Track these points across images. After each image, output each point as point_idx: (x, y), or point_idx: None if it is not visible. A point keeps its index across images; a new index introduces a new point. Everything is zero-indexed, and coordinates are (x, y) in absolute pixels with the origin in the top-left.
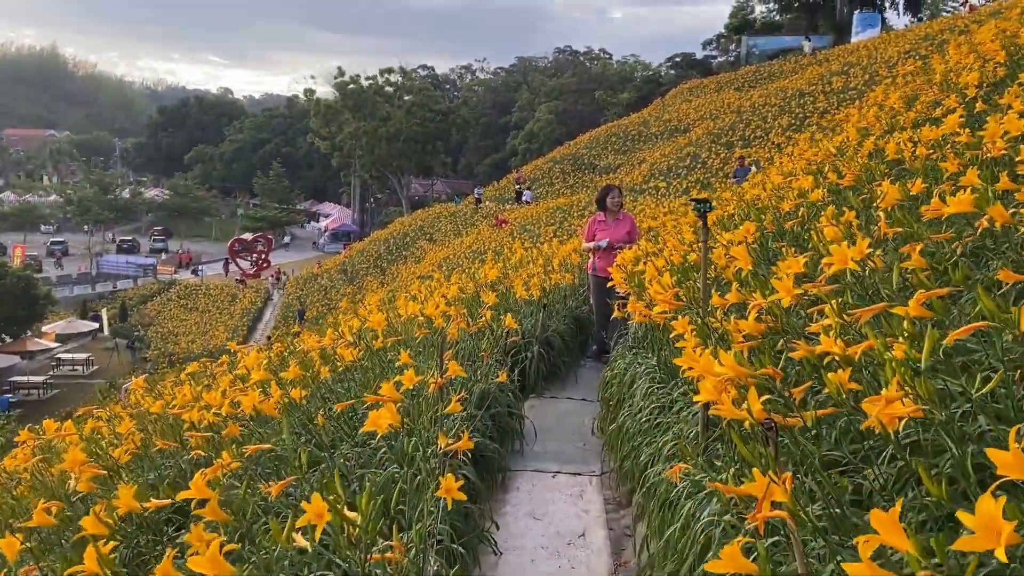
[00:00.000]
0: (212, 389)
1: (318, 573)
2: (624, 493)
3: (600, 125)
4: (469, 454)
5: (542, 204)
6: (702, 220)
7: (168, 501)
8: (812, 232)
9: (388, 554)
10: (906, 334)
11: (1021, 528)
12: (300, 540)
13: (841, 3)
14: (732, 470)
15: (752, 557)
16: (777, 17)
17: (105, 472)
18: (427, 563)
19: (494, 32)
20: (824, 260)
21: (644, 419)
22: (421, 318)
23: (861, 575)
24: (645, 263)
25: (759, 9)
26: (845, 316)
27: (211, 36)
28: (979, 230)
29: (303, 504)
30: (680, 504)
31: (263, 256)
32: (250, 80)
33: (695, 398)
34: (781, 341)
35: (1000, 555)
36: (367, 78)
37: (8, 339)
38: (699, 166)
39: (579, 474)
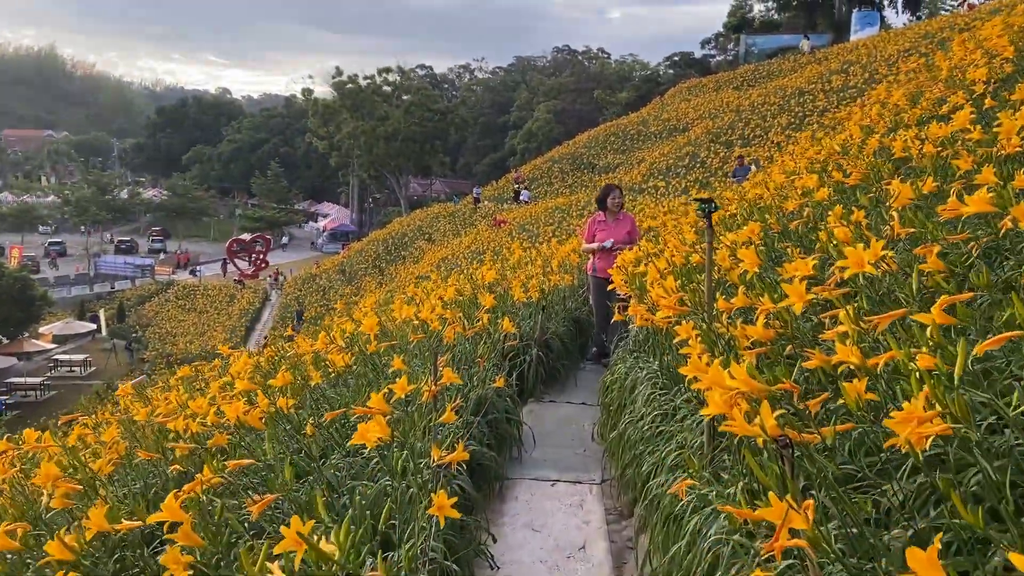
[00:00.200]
0: (200, 396)
1: None
2: (626, 503)
3: (599, 124)
4: (465, 463)
5: (541, 204)
6: (707, 220)
7: (139, 523)
8: (819, 232)
9: None
10: (930, 343)
11: None
12: (276, 572)
13: (840, 1)
14: (741, 484)
15: None
16: (776, 16)
17: (81, 488)
18: None
19: (493, 32)
20: (837, 263)
21: (646, 427)
22: (416, 321)
23: None
24: (646, 264)
25: (757, 8)
26: (861, 323)
27: (211, 36)
28: (1003, 231)
29: (282, 529)
30: (685, 519)
31: (261, 256)
32: (249, 80)
33: (703, 411)
34: (789, 347)
35: None
36: (365, 77)
37: (5, 340)
38: (698, 165)
39: (579, 482)
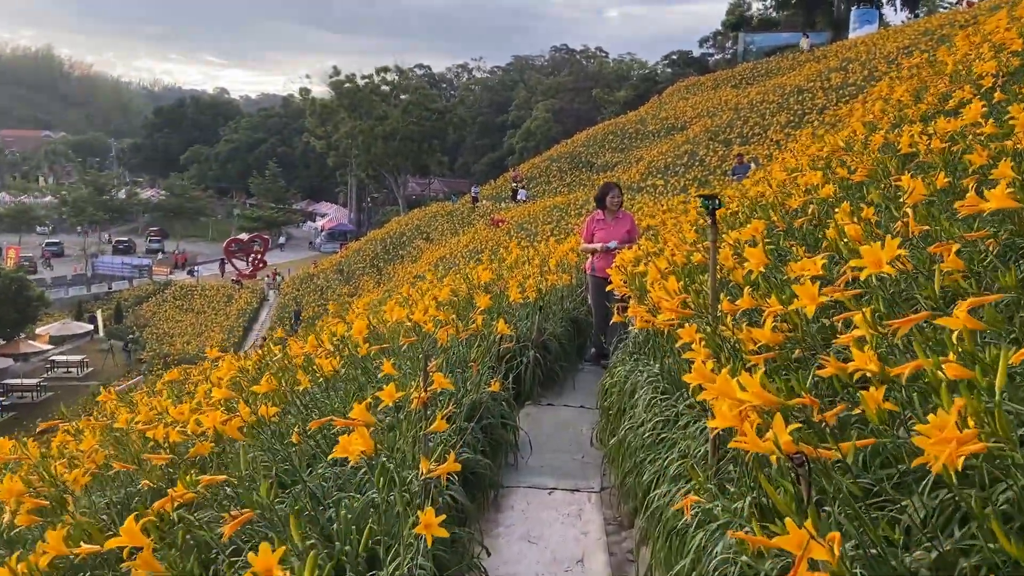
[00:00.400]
0: (188, 400)
1: None
2: (626, 512)
3: (597, 123)
4: (458, 471)
5: (539, 203)
6: (710, 218)
7: (97, 548)
8: (826, 230)
9: None
10: (958, 350)
11: None
12: None
13: None
14: (749, 499)
15: None
16: (774, 14)
17: (47, 503)
18: None
19: (491, 31)
20: (851, 263)
21: (647, 433)
22: (409, 323)
23: None
24: (646, 264)
25: (756, 6)
26: (880, 327)
27: (209, 36)
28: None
29: (249, 556)
30: (689, 534)
31: (259, 256)
32: (248, 80)
33: (709, 424)
34: (797, 351)
35: None
36: (363, 77)
37: (1, 342)
38: (697, 164)
39: (577, 490)
